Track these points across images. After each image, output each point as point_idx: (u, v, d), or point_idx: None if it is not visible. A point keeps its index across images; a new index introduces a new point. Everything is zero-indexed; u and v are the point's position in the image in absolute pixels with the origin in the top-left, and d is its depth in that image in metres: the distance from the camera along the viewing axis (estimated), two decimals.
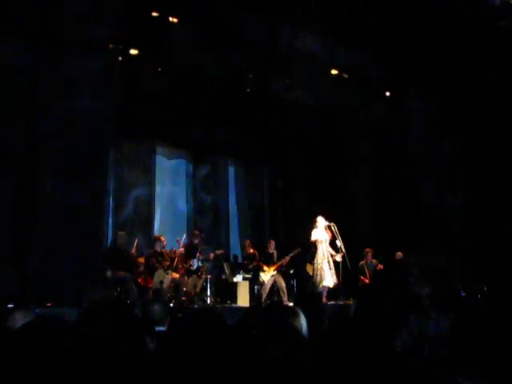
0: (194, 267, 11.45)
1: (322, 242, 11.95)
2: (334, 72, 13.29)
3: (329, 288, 11.85)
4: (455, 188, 15.05)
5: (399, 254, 13.12)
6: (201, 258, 11.69)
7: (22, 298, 8.22)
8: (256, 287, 12.42)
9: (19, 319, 3.56)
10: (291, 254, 12.46)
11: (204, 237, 12.36)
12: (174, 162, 14.22)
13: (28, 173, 9.32)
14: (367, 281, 12.69)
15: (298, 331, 2.63)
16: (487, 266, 13.08)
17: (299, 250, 12.51)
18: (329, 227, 11.97)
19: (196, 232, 12.24)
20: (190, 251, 11.55)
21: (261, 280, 12.29)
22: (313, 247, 12.04)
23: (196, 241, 11.83)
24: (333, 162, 14.71)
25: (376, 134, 14.55)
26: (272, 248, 12.69)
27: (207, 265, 11.94)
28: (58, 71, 9.53)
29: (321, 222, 12.04)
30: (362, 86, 13.76)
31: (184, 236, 11.93)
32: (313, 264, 11.98)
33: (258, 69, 12.58)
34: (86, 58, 9.75)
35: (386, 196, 14.63)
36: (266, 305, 11.28)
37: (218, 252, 12.54)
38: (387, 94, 14.35)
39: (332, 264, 11.92)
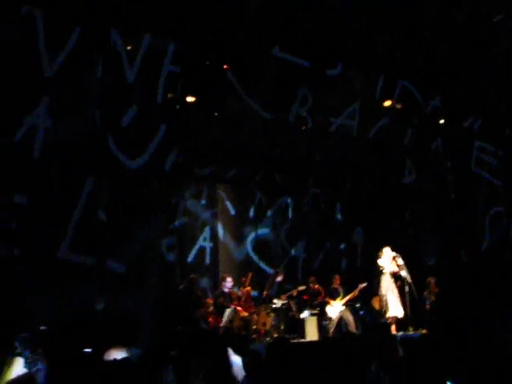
0: (279, 305, 11.79)
1: (385, 273, 11.93)
2: (387, 103, 13.42)
3: (396, 318, 11.76)
4: None
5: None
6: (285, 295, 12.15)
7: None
8: (324, 322, 12.43)
9: (115, 355, 3.84)
10: (359, 288, 12.52)
11: (286, 275, 12.67)
12: (236, 205, 14.37)
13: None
14: None
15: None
16: None
17: (366, 283, 12.57)
18: (394, 258, 11.94)
19: (278, 270, 12.64)
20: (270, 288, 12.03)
21: (328, 315, 12.36)
22: (377, 278, 12.04)
23: (279, 278, 12.28)
24: (391, 195, 14.67)
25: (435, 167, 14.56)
26: (337, 283, 12.85)
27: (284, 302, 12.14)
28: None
29: (387, 252, 12.00)
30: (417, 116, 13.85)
31: (250, 275, 12.10)
32: (379, 296, 11.97)
33: (310, 105, 12.79)
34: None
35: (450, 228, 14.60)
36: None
37: (301, 288, 12.68)
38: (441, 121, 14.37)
39: (397, 294, 11.85)
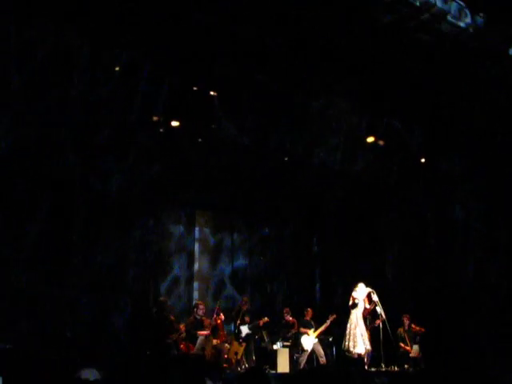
0: (243, 334, 11.72)
1: (358, 308, 11.92)
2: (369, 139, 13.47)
3: (360, 355, 11.65)
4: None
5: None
6: (250, 325, 12.07)
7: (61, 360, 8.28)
8: (295, 355, 12.36)
9: (87, 375, 3.76)
10: (330, 319, 12.55)
11: (250, 304, 12.59)
12: (215, 232, 14.26)
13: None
14: (408, 348, 12.53)
15: None
16: None
17: (335, 315, 12.62)
18: (368, 295, 11.94)
19: (245, 299, 12.56)
20: (240, 318, 11.95)
21: (303, 347, 12.31)
22: (349, 311, 12.03)
23: (244, 308, 12.18)
24: (368, 230, 14.66)
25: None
26: (309, 316, 12.86)
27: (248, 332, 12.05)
28: None
29: (361, 287, 12.02)
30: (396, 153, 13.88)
31: (219, 302, 12.06)
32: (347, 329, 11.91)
33: (293, 138, 12.79)
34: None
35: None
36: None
37: (266, 319, 12.58)
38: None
39: (364, 331, 11.79)
